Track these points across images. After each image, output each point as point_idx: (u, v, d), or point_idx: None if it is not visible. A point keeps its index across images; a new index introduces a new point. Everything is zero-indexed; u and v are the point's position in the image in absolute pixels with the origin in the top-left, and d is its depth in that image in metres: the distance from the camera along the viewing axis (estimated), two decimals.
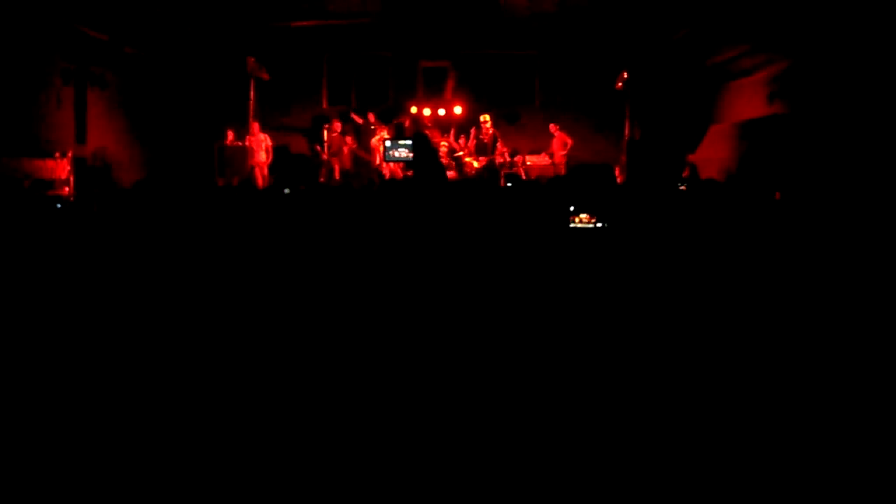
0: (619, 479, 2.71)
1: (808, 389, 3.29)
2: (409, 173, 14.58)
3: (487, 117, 15.49)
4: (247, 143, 14.59)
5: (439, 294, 4.23)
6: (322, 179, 15.13)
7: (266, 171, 14.87)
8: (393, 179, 14.33)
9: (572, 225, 4.87)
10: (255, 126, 14.66)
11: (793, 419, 3.09)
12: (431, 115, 16.00)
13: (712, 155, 14.16)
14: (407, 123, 15.91)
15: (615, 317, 4.02)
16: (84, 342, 3.72)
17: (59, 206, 11.19)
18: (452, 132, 15.74)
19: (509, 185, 11.15)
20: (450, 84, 16.53)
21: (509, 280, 4.32)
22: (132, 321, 3.97)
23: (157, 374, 3.45)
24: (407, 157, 13.37)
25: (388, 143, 13.89)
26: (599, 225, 4.88)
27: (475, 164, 15.21)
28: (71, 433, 2.96)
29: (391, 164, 14.97)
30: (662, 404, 3.19)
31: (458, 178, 14.46)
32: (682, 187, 9.89)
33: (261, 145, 14.82)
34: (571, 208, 4.85)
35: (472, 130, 15.62)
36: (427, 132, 15.28)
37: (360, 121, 15.91)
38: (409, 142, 13.37)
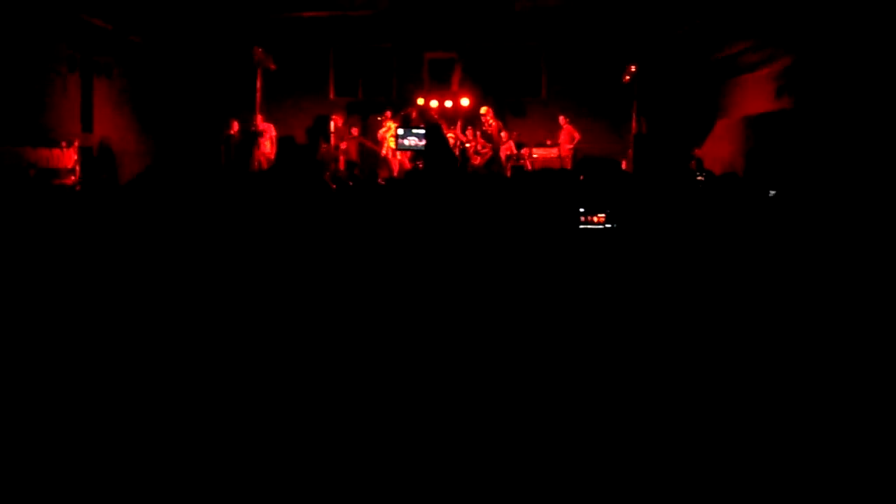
0: (621, 479, 2.71)
1: (815, 390, 3.28)
2: (419, 163, 14.59)
3: (485, 109, 15.47)
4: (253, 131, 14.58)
5: (447, 290, 4.22)
6: (328, 171, 15.11)
7: (271, 161, 14.85)
8: (403, 171, 14.34)
9: (582, 226, 4.83)
10: (260, 117, 14.63)
11: (797, 418, 3.08)
12: (438, 106, 15.96)
13: (719, 149, 14.14)
14: (413, 115, 15.89)
15: (624, 316, 4.00)
16: (86, 334, 3.72)
17: (66, 194, 11.23)
18: (459, 124, 15.71)
19: (515, 177, 11.13)
20: (456, 76, 16.50)
21: (518, 279, 4.31)
22: (135, 313, 3.96)
23: (156, 368, 3.45)
24: (417, 145, 13.37)
25: (400, 132, 13.89)
26: (609, 226, 4.84)
27: (478, 157, 15.21)
28: (71, 424, 2.96)
29: (398, 155, 14.97)
30: (667, 404, 3.18)
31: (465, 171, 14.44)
32: (700, 177, 9.87)
33: (266, 136, 14.81)
34: (582, 209, 4.82)
35: (477, 125, 15.61)
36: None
37: (382, 120, 15.88)
38: (421, 130, 13.38)
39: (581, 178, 5.73)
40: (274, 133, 15.04)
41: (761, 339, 3.75)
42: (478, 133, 15.49)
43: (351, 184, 11.40)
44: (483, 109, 15.49)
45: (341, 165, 15.53)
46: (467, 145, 15.28)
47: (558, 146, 15.54)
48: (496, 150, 15.36)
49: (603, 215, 4.86)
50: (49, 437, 2.86)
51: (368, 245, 4.77)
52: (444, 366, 3.50)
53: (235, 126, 14.89)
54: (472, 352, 3.61)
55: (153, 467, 2.73)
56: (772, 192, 7.16)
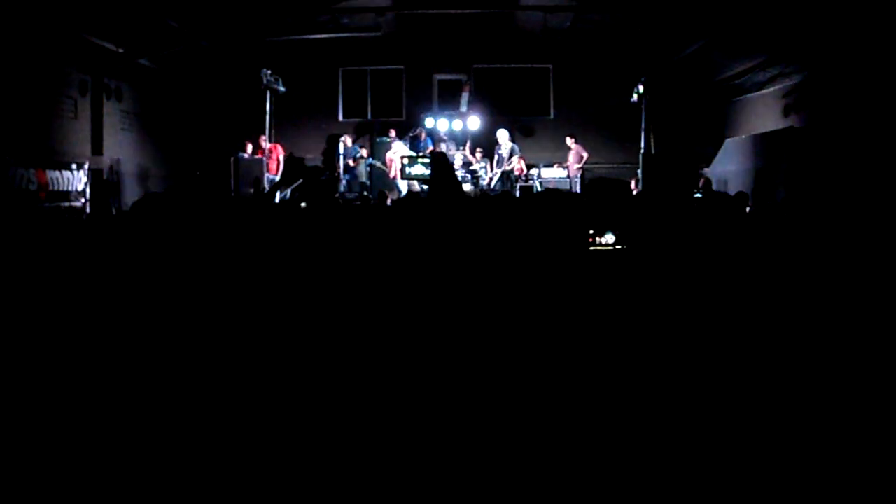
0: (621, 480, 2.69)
1: (825, 402, 3.24)
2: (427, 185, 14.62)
3: (500, 132, 15.50)
4: (260, 155, 14.61)
5: (451, 308, 4.20)
6: (338, 193, 15.15)
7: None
8: (411, 193, 14.34)
9: (592, 248, 4.81)
10: (263, 137, 14.63)
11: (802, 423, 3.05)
12: (447, 127, 15.98)
13: (727, 168, 14.12)
14: (423, 136, 15.90)
15: (632, 337, 3.98)
16: (93, 349, 3.71)
17: (77, 216, 11.28)
18: (468, 145, 15.73)
19: (524, 197, 11.13)
20: (465, 97, 16.54)
21: (526, 301, 4.29)
22: (141, 330, 3.96)
23: (164, 379, 3.44)
24: (424, 173, 13.41)
25: (405, 161, 13.95)
26: (619, 247, 4.81)
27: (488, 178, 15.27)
28: (75, 434, 2.95)
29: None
30: (678, 418, 3.15)
31: (475, 193, 14.44)
32: (698, 195, 9.86)
33: (272, 156, 14.83)
34: (591, 231, 4.79)
35: (495, 147, 15.64)
36: (442, 144, 15.31)
37: (389, 141, 15.91)
38: (426, 159, 13.43)
39: (590, 199, 5.72)
40: (281, 153, 15.07)
41: (772, 359, 3.72)
42: (495, 156, 15.52)
43: (359, 203, 11.41)
44: (499, 132, 15.50)
45: (352, 187, 15.59)
46: (476, 166, 15.29)
47: (567, 166, 15.54)
48: (506, 171, 15.39)
49: (612, 237, 4.84)
50: (49, 452, 2.85)
51: (377, 264, 4.77)
52: (453, 382, 3.48)
53: (249, 148, 14.92)
54: (480, 369, 3.59)
55: (154, 469, 2.73)
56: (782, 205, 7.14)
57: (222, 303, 4.29)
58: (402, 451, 2.93)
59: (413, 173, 13.98)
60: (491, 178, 15.30)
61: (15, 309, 4.04)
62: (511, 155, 15.37)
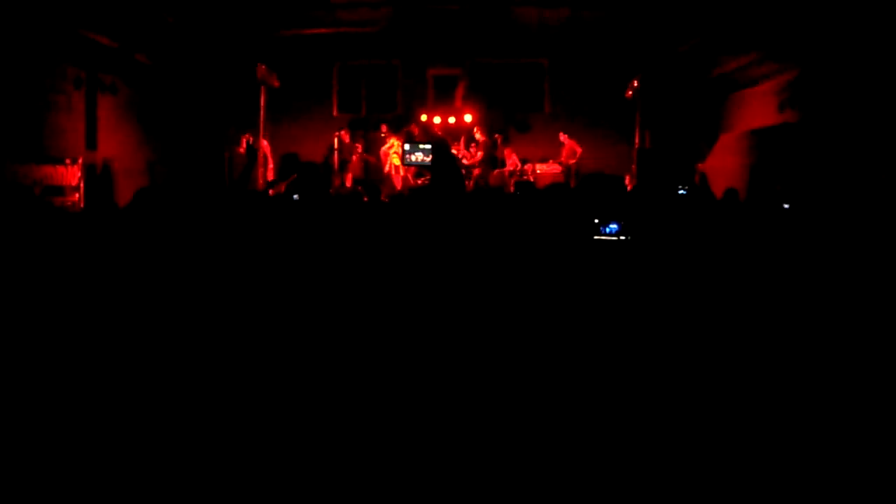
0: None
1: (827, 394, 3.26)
2: (421, 181, 14.60)
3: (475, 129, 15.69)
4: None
5: (454, 301, 4.20)
6: (333, 188, 15.10)
7: (267, 177, 14.82)
8: (407, 188, 14.34)
9: (597, 237, 4.81)
10: (249, 135, 14.56)
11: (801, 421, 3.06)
12: (441, 123, 15.95)
13: (722, 164, 14.14)
14: (416, 132, 15.88)
15: (632, 324, 3.98)
16: (88, 348, 3.70)
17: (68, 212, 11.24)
18: (462, 140, 15.72)
19: (518, 193, 11.13)
20: (460, 92, 16.52)
21: (535, 291, 4.28)
22: (136, 328, 3.95)
23: (161, 377, 3.43)
24: (423, 161, 13.37)
25: (406, 147, 13.89)
26: (623, 238, 4.82)
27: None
28: (73, 435, 2.94)
29: (402, 172, 14.96)
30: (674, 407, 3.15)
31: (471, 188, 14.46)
32: (682, 192, 9.83)
33: (260, 152, 14.76)
34: (596, 220, 4.80)
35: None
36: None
37: (385, 137, 15.90)
38: (427, 146, 13.39)
39: (586, 194, 5.72)
40: (268, 150, 14.99)
41: (774, 350, 3.73)
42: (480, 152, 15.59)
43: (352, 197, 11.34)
44: (475, 131, 15.68)
45: (347, 182, 15.53)
46: (471, 163, 15.30)
47: (561, 162, 15.54)
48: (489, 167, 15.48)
49: (617, 226, 4.85)
50: (43, 450, 2.85)
51: (376, 261, 4.76)
52: (458, 377, 3.48)
53: (244, 143, 14.86)
54: (486, 362, 3.59)
55: (154, 468, 2.72)
56: (785, 206, 7.16)
57: (221, 297, 4.28)
58: (402, 446, 2.93)
59: (413, 160, 13.95)
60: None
61: (15, 302, 4.03)
62: (492, 150, 15.51)
